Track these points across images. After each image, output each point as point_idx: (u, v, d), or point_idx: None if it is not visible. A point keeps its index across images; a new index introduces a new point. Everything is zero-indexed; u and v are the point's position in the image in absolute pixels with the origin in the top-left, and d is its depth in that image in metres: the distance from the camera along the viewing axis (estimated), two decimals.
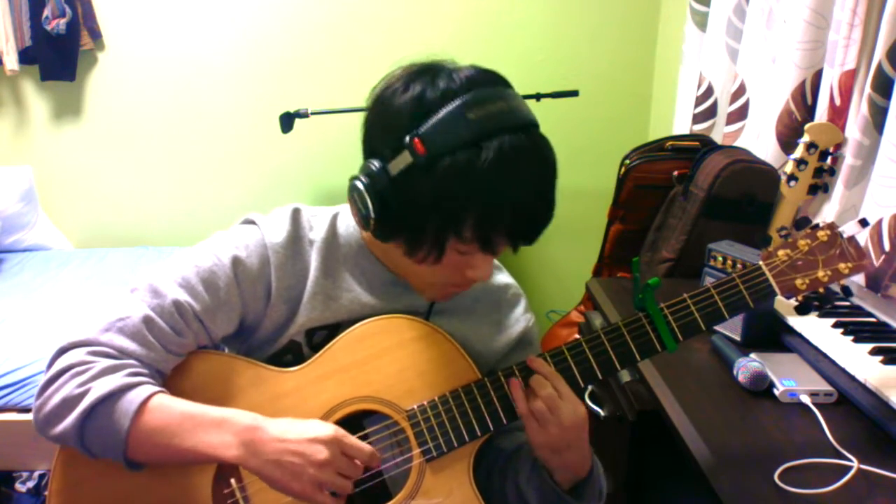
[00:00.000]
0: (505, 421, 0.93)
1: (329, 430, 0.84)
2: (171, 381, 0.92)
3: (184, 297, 0.90)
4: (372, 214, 0.85)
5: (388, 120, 0.85)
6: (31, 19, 2.64)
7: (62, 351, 0.89)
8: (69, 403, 0.84)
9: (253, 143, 2.86)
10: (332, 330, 0.98)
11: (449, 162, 0.80)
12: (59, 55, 2.67)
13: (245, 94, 2.81)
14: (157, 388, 0.87)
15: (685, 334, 0.93)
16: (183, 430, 0.84)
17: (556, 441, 0.89)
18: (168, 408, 0.86)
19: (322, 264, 0.98)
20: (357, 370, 0.93)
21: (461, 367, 0.95)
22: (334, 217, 1.01)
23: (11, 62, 2.64)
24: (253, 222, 0.99)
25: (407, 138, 0.81)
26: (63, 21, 2.58)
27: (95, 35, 2.71)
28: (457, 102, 0.81)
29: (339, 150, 2.83)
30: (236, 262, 0.94)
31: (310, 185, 2.90)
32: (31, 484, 1.96)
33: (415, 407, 0.92)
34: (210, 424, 0.85)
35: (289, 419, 0.86)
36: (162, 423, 0.85)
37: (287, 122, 2.42)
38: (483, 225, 0.84)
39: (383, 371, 0.94)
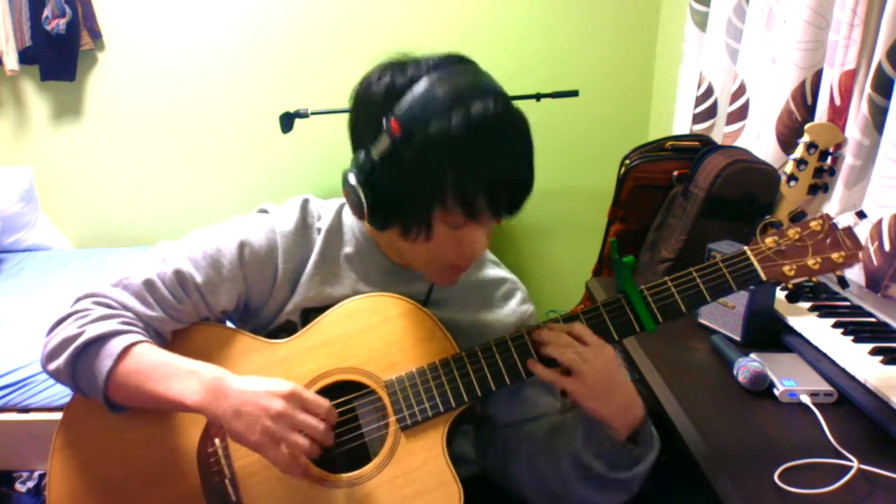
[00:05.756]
0: (479, 393, 0.95)
1: (287, 385, 0.88)
2: (172, 347, 0.98)
3: (187, 268, 0.98)
4: (364, 203, 0.89)
5: (365, 111, 0.90)
6: (31, 19, 2.64)
7: (77, 299, 0.99)
8: (66, 342, 0.93)
9: (253, 143, 2.86)
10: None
11: (423, 134, 0.84)
12: (59, 55, 2.67)
13: (245, 94, 2.81)
14: (142, 338, 0.94)
15: (665, 316, 0.95)
16: (156, 376, 0.91)
17: (597, 389, 0.90)
18: (147, 355, 0.92)
19: (323, 250, 1.04)
20: (342, 343, 0.99)
21: (442, 344, 0.99)
22: (340, 207, 1.09)
23: (11, 62, 2.64)
24: (266, 211, 1.07)
25: (384, 121, 0.85)
26: (63, 21, 2.58)
27: (95, 35, 2.71)
28: (424, 82, 0.86)
29: (339, 150, 2.81)
30: (243, 244, 1.01)
31: (309, 185, 2.90)
32: (31, 484, 1.96)
33: (393, 377, 0.97)
34: (181, 373, 0.91)
35: (254, 376, 0.90)
36: (139, 368, 0.91)
37: (287, 122, 2.42)
38: (462, 189, 0.86)
39: (368, 345, 0.98)
